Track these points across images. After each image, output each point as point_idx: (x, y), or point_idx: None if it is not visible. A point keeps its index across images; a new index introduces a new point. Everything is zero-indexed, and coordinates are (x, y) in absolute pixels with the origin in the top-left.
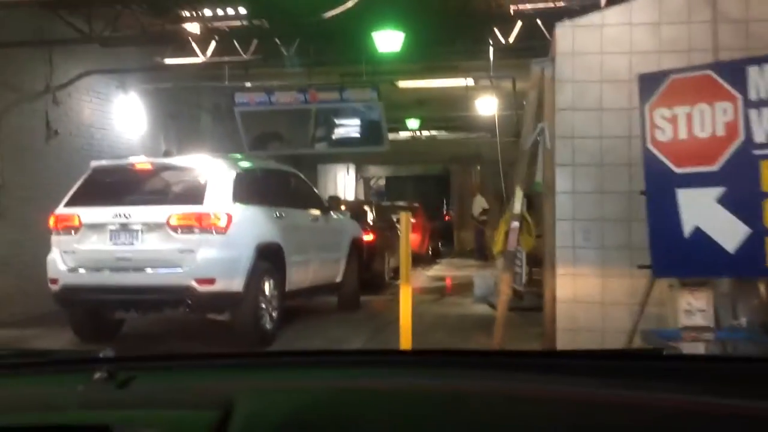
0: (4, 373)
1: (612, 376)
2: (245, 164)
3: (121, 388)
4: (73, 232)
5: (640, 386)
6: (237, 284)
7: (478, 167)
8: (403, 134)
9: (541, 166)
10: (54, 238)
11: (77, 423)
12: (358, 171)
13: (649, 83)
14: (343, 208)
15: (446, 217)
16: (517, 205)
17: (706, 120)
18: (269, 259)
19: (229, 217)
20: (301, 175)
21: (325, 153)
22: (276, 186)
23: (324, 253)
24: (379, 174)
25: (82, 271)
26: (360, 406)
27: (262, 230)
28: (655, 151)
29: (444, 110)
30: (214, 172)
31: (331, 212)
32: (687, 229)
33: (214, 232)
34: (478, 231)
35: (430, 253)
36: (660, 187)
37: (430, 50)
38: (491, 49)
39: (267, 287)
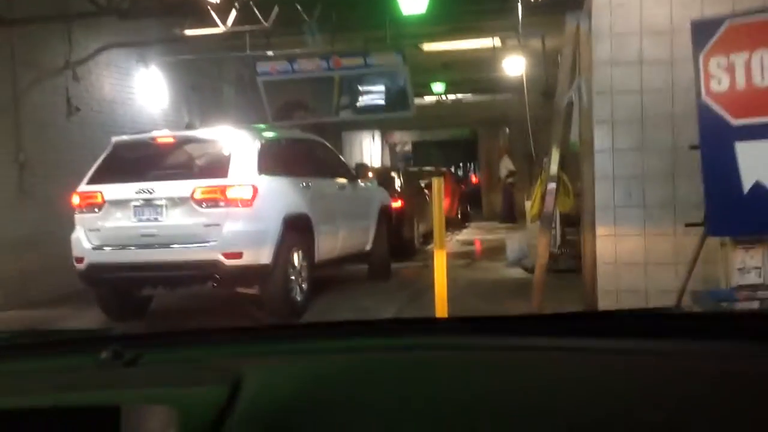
0: (9, 354)
1: (658, 334)
2: (269, 134)
3: (129, 367)
4: (96, 209)
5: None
6: (265, 257)
7: (506, 129)
8: (428, 99)
9: (578, 124)
10: (77, 216)
11: (85, 404)
12: (383, 137)
13: (702, 30)
14: (370, 175)
15: (474, 181)
16: (554, 165)
17: (767, 67)
18: (297, 230)
19: (255, 189)
20: (327, 144)
21: (350, 121)
22: (302, 155)
23: (352, 221)
24: (404, 140)
25: (107, 248)
26: (375, 379)
27: (288, 201)
28: (711, 103)
29: (470, 72)
30: (237, 143)
31: (359, 180)
32: (746, 184)
33: (239, 204)
34: (506, 193)
35: (459, 216)
36: (716, 141)
37: (455, 10)
38: (519, 5)
39: (296, 259)
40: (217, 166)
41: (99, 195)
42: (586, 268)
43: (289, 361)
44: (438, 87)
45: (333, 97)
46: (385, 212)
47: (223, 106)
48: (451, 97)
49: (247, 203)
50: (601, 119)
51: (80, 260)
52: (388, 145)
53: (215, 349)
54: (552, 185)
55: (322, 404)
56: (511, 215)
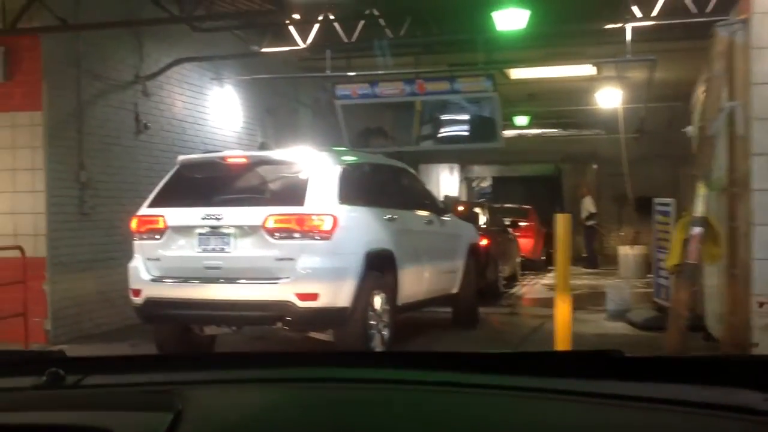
0: None
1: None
2: (351, 158)
3: (71, 389)
4: (157, 236)
5: None
6: (343, 298)
7: (594, 166)
8: (509, 132)
9: (725, 157)
10: (136, 243)
11: (26, 423)
12: (461, 171)
13: None
14: (461, 209)
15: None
16: (700, 205)
17: None
18: (380, 268)
19: (335, 220)
20: (413, 172)
21: (430, 152)
22: (386, 184)
23: (439, 261)
24: (483, 174)
25: (167, 281)
26: (317, 406)
27: (371, 235)
28: None
29: (557, 104)
30: (316, 167)
31: (447, 214)
32: None
33: (317, 237)
34: (588, 236)
35: (543, 259)
36: None
37: (553, 31)
38: (628, 28)
39: (377, 301)
40: (293, 192)
41: (161, 220)
42: (734, 335)
43: (233, 389)
44: (521, 120)
45: (413, 125)
46: (474, 252)
47: (299, 130)
48: (534, 131)
49: (326, 236)
50: (761, 151)
51: (137, 293)
52: (466, 180)
53: (159, 375)
54: (697, 229)
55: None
56: (594, 260)
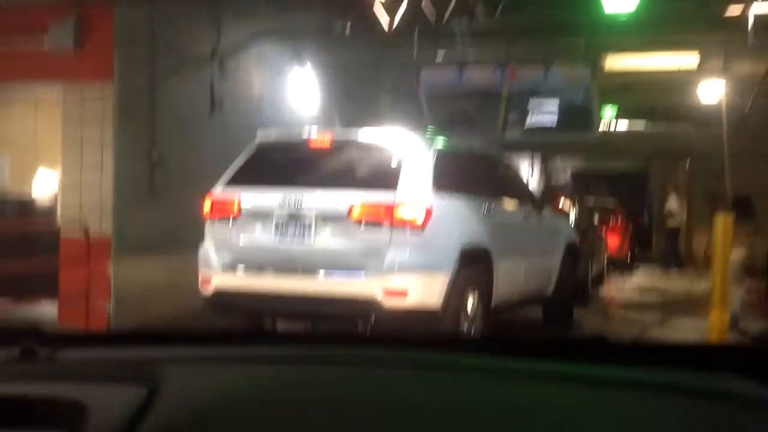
0: None
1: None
2: (447, 142)
3: (45, 363)
4: (231, 220)
5: None
6: (435, 298)
7: (687, 164)
8: None
9: None
10: (208, 227)
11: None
12: (542, 165)
13: None
14: (561, 203)
15: (639, 219)
16: None
17: None
18: (474, 266)
19: (429, 211)
20: (510, 162)
21: (514, 141)
22: (482, 172)
23: (536, 259)
24: (563, 168)
25: (240, 270)
26: (296, 385)
27: (467, 229)
28: None
29: (651, 97)
30: (409, 150)
31: (544, 208)
32: None
33: (408, 229)
34: (669, 236)
35: (629, 258)
36: None
37: (661, 17)
38: (751, 14)
39: (470, 303)
40: (383, 178)
41: (235, 202)
42: None
43: (213, 367)
44: (608, 112)
45: (500, 113)
46: (571, 251)
47: (378, 116)
48: (623, 124)
49: (418, 228)
50: None
51: (207, 281)
52: (545, 174)
53: (136, 350)
54: None
55: (243, 409)
56: (675, 260)
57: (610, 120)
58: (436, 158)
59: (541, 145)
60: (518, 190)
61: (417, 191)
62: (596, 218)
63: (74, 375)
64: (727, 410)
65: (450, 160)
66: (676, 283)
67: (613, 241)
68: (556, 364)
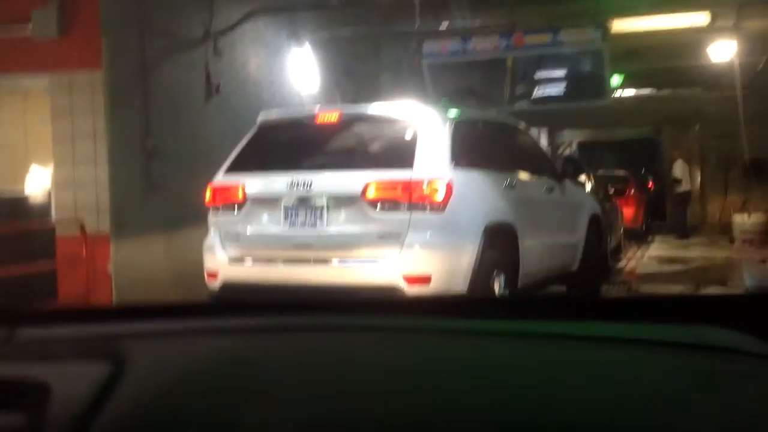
0: None
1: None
2: (463, 113)
3: (2, 343)
4: (235, 208)
5: None
6: (460, 283)
7: (697, 128)
8: None
9: None
10: (211, 217)
11: None
12: (549, 136)
13: None
14: (583, 175)
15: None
16: None
17: None
18: (499, 245)
19: (449, 187)
20: (529, 131)
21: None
22: (502, 144)
23: (561, 234)
24: (570, 138)
25: (248, 262)
26: (268, 355)
27: (490, 205)
28: None
29: (660, 61)
30: (424, 123)
31: (566, 180)
32: None
33: (428, 208)
34: (678, 203)
35: (644, 228)
36: None
37: None
38: None
39: (496, 285)
40: (398, 154)
41: (240, 189)
42: None
43: (179, 340)
44: (615, 79)
45: (505, 84)
46: (595, 224)
47: (379, 94)
48: (630, 91)
49: (439, 206)
50: None
51: (213, 276)
52: (551, 146)
53: (98, 327)
54: None
55: (213, 385)
56: (684, 229)
57: (617, 88)
58: (454, 130)
59: (549, 116)
60: (539, 160)
61: (435, 166)
62: (611, 189)
63: (34, 354)
64: (717, 362)
65: (468, 132)
66: (695, 252)
67: (629, 212)
68: (544, 324)
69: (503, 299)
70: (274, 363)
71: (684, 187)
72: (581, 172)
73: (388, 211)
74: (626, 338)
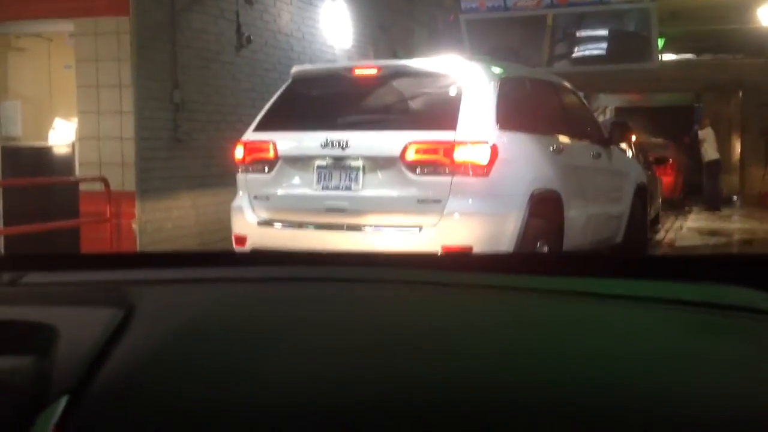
0: None
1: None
2: (510, 71)
3: (8, 287)
4: (266, 168)
5: None
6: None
7: (740, 95)
8: None
9: None
10: (240, 177)
11: None
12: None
13: None
14: (633, 140)
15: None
16: None
17: None
18: (544, 214)
19: (494, 151)
20: (578, 92)
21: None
22: (549, 105)
23: (605, 204)
24: (606, 104)
25: (277, 225)
26: (281, 303)
27: (536, 172)
28: None
29: (701, 24)
30: (469, 81)
31: (613, 147)
32: None
33: (471, 173)
34: (709, 174)
35: (682, 198)
36: None
37: None
38: None
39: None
40: (440, 114)
41: (270, 147)
42: None
43: (190, 287)
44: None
45: (544, 44)
46: (640, 194)
47: (414, 50)
48: (669, 56)
49: (483, 171)
50: None
51: (241, 240)
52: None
53: (108, 273)
54: None
55: (224, 331)
56: (715, 201)
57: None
58: (500, 89)
59: (586, 79)
60: (587, 123)
61: (480, 128)
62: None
63: (42, 298)
64: (737, 321)
65: (515, 91)
66: (735, 224)
67: (667, 181)
68: (565, 281)
69: (523, 254)
70: (290, 312)
71: (712, 155)
72: (631, 137)
73: (428, 175)
74: (645, 296)
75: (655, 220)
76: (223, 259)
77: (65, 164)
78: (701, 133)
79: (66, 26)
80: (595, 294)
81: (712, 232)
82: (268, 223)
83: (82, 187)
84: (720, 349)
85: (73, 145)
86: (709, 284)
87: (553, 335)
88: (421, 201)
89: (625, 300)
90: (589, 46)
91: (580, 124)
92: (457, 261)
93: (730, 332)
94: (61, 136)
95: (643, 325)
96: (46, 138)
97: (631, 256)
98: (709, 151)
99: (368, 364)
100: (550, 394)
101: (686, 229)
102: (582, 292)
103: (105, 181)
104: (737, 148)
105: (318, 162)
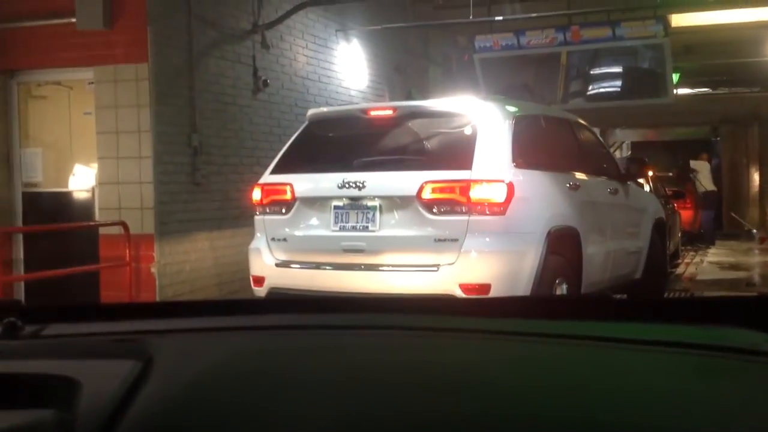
0: None
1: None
2: (524, 109)
3: (31, 339)
4: (283, 209)
5: None
6: (521, 292)
7: (756, 127)
8: None
9: None
10: (258, 219)
11: None
12: (601, 135)
13: None
14: (650, 175)
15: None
16: None
17: None
18: (562, 251)
19: (510, 189)
20: (592, 129)
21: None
22: (564, 142)
23: (624, 240)
24: (622, 139)
25: (295, 266)
26: (298, 353)
27: (553, 209)
28: None
29: (715, 58)
30: (484, 119)
31: (630, 182)
32: None
33: (488, 211)
34: (705, 206)
35: (702, 231)
36: None
37: None
38: None
39: (558, 293)
40: (456, 153)
41: (288, 189)
42: None
43: (208, 337)
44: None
45: (558, 81)
46: (659, 230)
47: (429, 90)
48: (683, 90)
49: (499, 209)
50: None
51: (259, 281)
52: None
53: (126, 324)
54: None
55: (242, 381)
56: (706, 235)
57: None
58: (515, 127)
59: (602, 115)
60: (603, 160)
61: (496, 166)
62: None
63: (62, 351)
64: (741, 364)
65: (530, 129)
66: (756, 258)
67: (686, 215)
68: (565, 324)
69: (520, 297)
70: (306, 360)
71: (707, 186)
72: (648, 172)
73: (444, 215)
74: (648, 340)
75: (675, 255)
76: (238, 307)
77: (85, 209)
78: (694, 164)
79: (86, 74)
80: (597, 338)
81: (733, 267)
82: (285, 264)
83: (102, 231)
84: (721, 392)
85: (93, 190)
86: (712, 327)
87: (554, 379)
88: (438, 240)
89: (627, 344)
90: (604, 82)
91: (596, 161)
92: (470, 306)
93: (731, 375)
94: (81, 181)
95: (645, 368)
96: (66, 183)
97: (648, 292)
98: (704, 183)
99: (382, 413)
100: None
101: (707, 264)
102: (584, 335)
103: (124, 226)
104: (756, 180)
105: (335, 203)
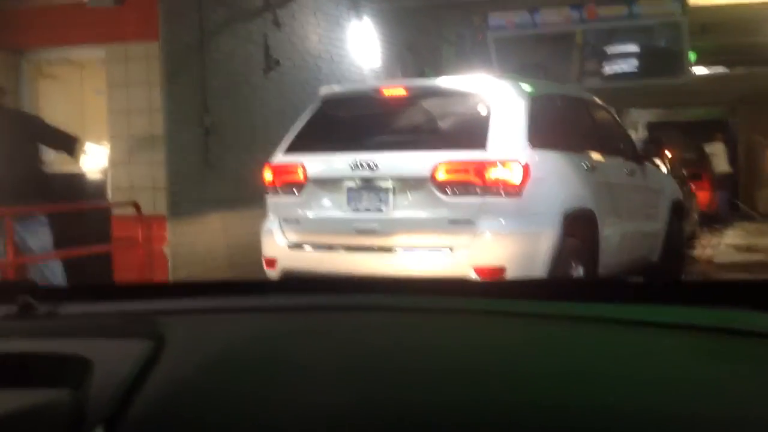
0: None
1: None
2: (540, 88)
3: (45, 318)
4: (295, 190)
5: None
6: (536, 274)
7: None
8: None
9: None
10: (269, 200)
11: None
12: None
13: None
14: (668, 156)
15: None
16: None
17: None
18: (578, 233)
19: (526, 170)
20: (609, 108)
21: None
22: (581, 122)
23: (641, 222)
24: (638, 119)
25: (307, 248)
26: (310, 334)
27: (569, 190)
28: None
29: (732, 37)
30: (499, 99)
31: (647, 163)
32: None
33: (503, 192)
34: (720, 188)
35: (718, 214)
36: None
37: None
38: None
39: (574, 275)
40: (470, 133)
41: (300, 170)
42: None
43: (219, 318)
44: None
45: (573, 61)
46: (677, 211)
47: (441, 69)
48: (700, 69)
49: (515, 190)
50: None
51: (272, 263)
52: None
53: (139, 303)
54: None
55: (253, 362)
56: (721, 215)
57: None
58: (530, 107)
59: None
60: (620, 140)
61: (511, 147)
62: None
63: (76, 330)
64: (749, 345)
65: (546, 109)
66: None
67: (704, 197)
68: (580, 306)
69: (530, 280)
70: (318, 341)
71: (723, 168)
72: (665, 153)
73: (459, 196)
74: (663, 322)
75: (692, 236)
76: (250, 287)
77: (98, 189)
78: (708, 148)
79: (97, 52)
80: (611, 320)
81: (751, 249)
82: (298, 245)
83: (115, 211)
84: (735, 375)
85: (105, 170)
86: (726, 310)
87: (569, 361)
88: (453, 221)
89: (642, 326)
90: (620, 61)
91: (612, 141)
92: (483, 288)
93: (746, 358)
94: (94, 161)
95: (659, 351)
96: (78, 163)
97: (666, 274)
98: (720, 165)
99: (396, 392)
100: (569, 417)
101: (724, 247)
102: (598, 318)
103: (137, 206)
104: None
105: (348, 184)
